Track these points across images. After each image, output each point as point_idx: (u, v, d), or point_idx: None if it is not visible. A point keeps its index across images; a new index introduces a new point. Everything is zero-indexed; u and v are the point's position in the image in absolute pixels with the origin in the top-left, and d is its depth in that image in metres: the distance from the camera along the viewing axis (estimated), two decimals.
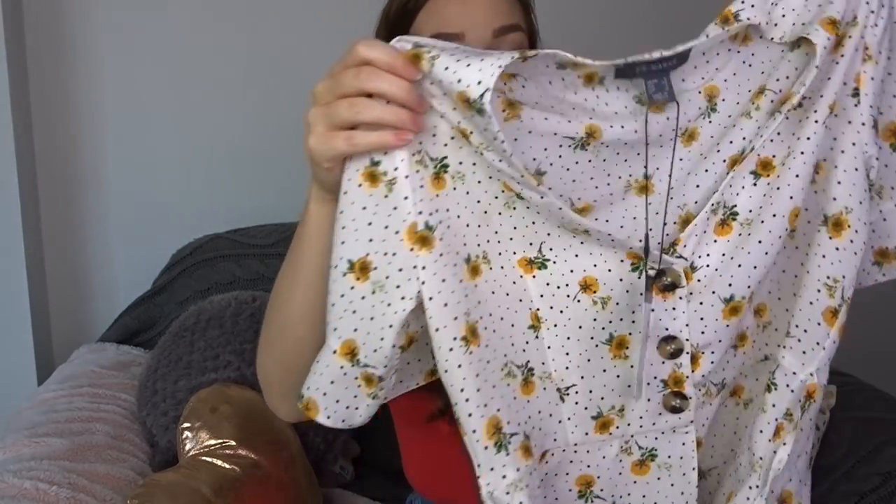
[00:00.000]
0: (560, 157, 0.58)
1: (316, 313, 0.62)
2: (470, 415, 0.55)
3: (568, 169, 0.59)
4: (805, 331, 0.60)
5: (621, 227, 0.61)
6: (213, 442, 1.10)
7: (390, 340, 0.56)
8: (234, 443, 1.09)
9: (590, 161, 0.59)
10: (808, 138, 0.58)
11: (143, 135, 1.52)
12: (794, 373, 0.61)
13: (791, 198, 0.59)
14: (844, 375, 1.21)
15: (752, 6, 0.56)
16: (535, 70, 0.56)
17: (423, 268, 0.54)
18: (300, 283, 0.64)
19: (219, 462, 1.07)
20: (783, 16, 0.57)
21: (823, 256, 0.59)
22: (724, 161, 0.60)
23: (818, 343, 0.60)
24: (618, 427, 0.63)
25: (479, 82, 0.49)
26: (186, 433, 1.11)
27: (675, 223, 0.62)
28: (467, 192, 0.56)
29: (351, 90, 0.53)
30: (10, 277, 1.42)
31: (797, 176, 0.59)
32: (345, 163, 0.55)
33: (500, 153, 0.53)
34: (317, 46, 1.55)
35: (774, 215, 0.60)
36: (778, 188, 0.59)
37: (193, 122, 1.54)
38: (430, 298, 0.54)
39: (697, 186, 0.61)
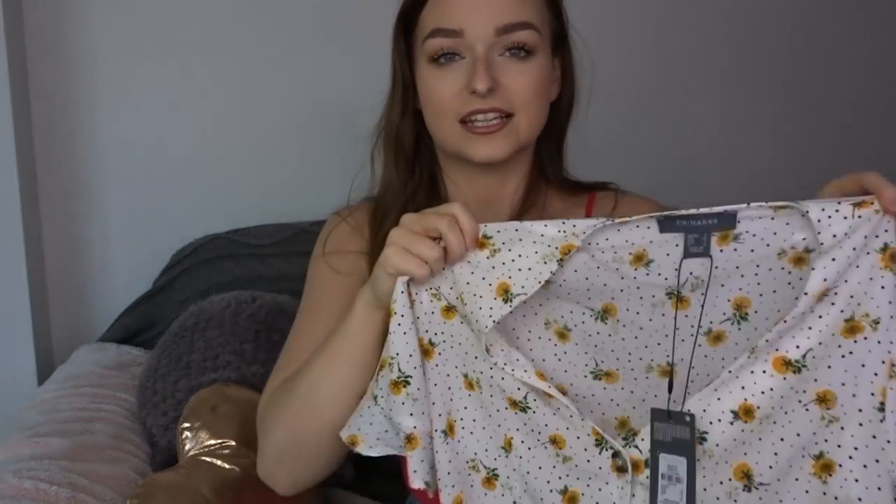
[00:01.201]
0: (583, 322, 0.68)
1: (343, 398, 0.74)
2: (442, 490, 0.70)
3: (590, 335, 0.68)
4: None
5: (644, 395, 0.66)
6: (213, 442, 1.10)
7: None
8: (234, 443, 1.09)
9: (609, 335, 0.67)
10: (790, 422, 0.57)
11: (143, 135, 1.52)
12: None
13: (745, 454, 0.59)
14: None
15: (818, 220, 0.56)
16: (593, 245, 0.65)
17: (424, 371, 0.70)
18: (337, 370, 0.75)
19: (219, 462, 1.07)
20: (832, 236, 0.56)
21: None
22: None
23: None
24: None
25: (523, 286, 0.64)
26: (186, 433, 1.11)
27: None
28: (472, 330, 0.68)
29: (431, 228, 0.67)
30: (10, 277, 1.42)
31: (760, 439, 0.59)
32: (397, 286, 0.68)
33: (472, 331, 0.67)
34: (317, 47, 1.55)
35: (727, 462, 0.60)
36: (744, 442, 0.59)
37: (193, 121, 1.54)
38: (426, 396, 0.70)
39: (709, 405, 0.61)
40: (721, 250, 0.61)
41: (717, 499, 0.60)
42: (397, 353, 0.69)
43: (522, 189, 0.92)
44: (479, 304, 0.65)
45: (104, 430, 1.14)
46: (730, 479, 0.60)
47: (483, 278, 0.66)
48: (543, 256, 0.64)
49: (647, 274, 0.64)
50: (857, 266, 0.56)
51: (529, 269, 0.64)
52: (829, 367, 0.57)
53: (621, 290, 0.65)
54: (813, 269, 0.55)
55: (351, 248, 0.90)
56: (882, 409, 0.55)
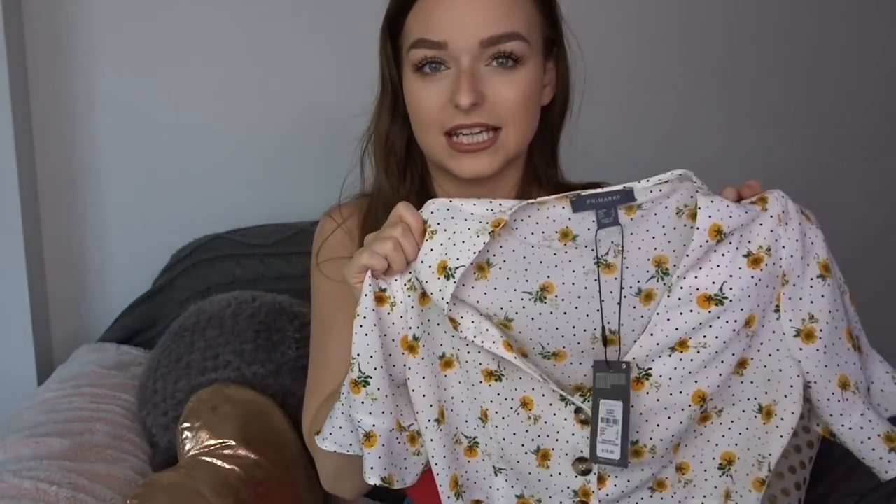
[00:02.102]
0: (524, 307, 0.72)
1: None
2: (438, 474, 0.75)
3: (532, 318, 0.72)
4: (741, 496, 0.75)
5: (580, 363, 0.74)
6: (213, 442, 1.10)
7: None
8: (234, 443, 1.09)
9: (551, 313, 0.72)
10: (725, 342, 0.69)
11: (143, 135, 1.52)
12: None
13: (696, 382, 0.70)
14: None
15: (717, 211, 0.67)
16: (520, 221, 0.72)
17: (410, 367, 0.74)
18: None
19: (219, 462, 1.07)
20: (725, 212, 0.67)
21: (758, 438, 0.73)
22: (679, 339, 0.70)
23: None
24: None
25: (458, 258, 0.69)
26: (186, 433, 1.11)
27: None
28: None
29: (387, 236, 0.70)
30: (10, 277, 1.42)
31: (705, 366, 0.70)
32: (363, 289, 0.71)
33: (441, 310, 0.70)
34: (318, 48, 1.55)
35: (681, 392, 0.71)
36: (689, 371, 0.70)
37: (193, 122, 1.54)
38: (413, 390, 0.74)
39: (649, 357, 0.71)
40: (631, 219, 0.71)
41: (681, 423, 0.71)
42: (358, 354, 0.71)
43: (514, 196, 0.90)
44: (431, 289, 0.70)
45: (104, 430, 1.14)
46: (689, 405, 0.71)
47: (422, 262, 0.71)
48: (476, 231, 0.70)
49: (576, 248, 0.71)
50: (746, 212, 0.67)
51: (464, 242, 0.70)
52: (750, 295, 0.68)
53: (556, 266, 0.72)
54: (699, 209, 0.67)
55: (346, 255, 0.90)
56: (777, 310, 0.70)
